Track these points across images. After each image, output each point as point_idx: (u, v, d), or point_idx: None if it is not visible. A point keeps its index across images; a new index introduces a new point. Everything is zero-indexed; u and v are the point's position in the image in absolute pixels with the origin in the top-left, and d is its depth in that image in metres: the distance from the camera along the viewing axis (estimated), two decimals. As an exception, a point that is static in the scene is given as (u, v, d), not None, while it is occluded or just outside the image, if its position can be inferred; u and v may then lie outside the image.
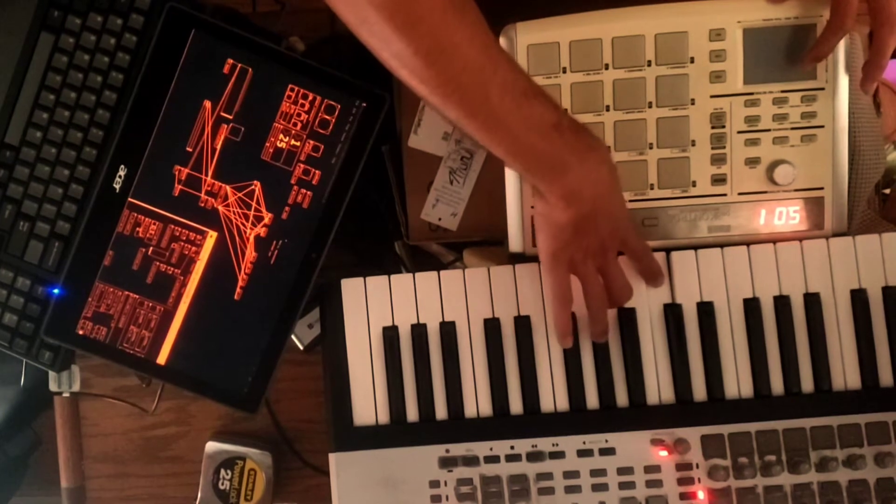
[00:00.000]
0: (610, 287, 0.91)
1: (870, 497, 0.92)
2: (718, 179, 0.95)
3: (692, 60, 0.93)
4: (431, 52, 0.75)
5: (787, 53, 0.93)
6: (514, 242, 0.98)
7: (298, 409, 1.07)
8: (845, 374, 0.94)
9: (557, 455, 0.94)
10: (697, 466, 0.93)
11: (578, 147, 0.82)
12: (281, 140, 0.96)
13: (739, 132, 0.94)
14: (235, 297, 0.97)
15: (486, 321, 0.96)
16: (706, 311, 0.95)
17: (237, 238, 0.97)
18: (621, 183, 0.87)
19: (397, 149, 1.01)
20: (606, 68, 0.93)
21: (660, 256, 0.95)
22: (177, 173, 0.96)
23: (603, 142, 0.86)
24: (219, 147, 0.96)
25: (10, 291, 1.01)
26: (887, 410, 0.93)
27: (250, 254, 0.97)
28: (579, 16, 0.92)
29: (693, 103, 0.94)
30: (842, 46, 0.92)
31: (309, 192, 0.97)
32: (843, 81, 0.93)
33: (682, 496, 0.93)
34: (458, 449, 0.95)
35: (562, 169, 0.82)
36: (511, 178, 0.96)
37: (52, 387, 1.07)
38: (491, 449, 0.94)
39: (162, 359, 0.98)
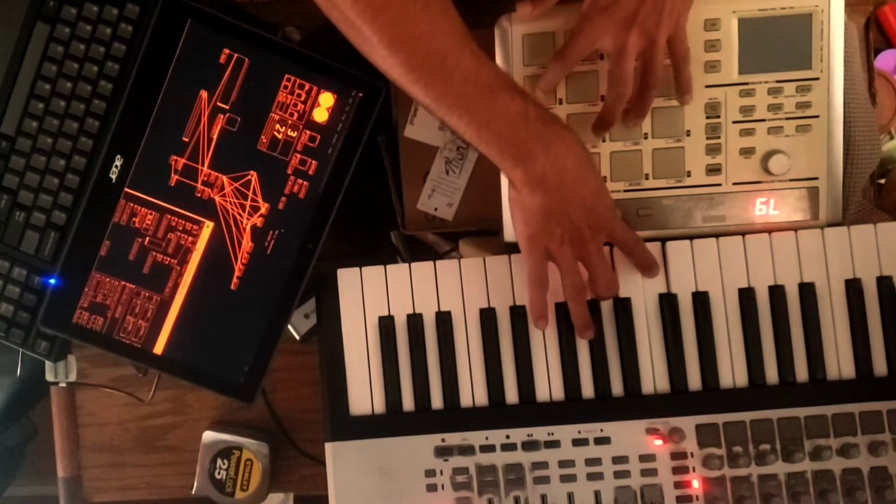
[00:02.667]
0: (592, 278, 0.91)
1: (863, 486, 0.92)
2: (713, 169, 0.95)
3: (687, 50, 0.93)
4: (395, 41, 0.78)
5: (782, 43, 0.93)
6: (510, 232, 0.98)
7: (295, 399, 1.07)
8: (839, 363, 0.94)
9: (553, 444, 0.94)
10: (692, 455, 0.93)
11: (545, 136, 0.84)
12: (277, 130, 0.96)
13: (734, 122, 0.94)
14: (232, 287, 0.97)
15: (482, 311, 0.96)
16: (701, 301, 0.95)
17: (234, 228, 0.97)
18: (600, 172, 0.89)
19: (393, 139, 1.01)
20: (601, 58, 0.93)
21: (655, 247, 0.95)
22: (173, 163, 0.96)
23: (573, 132, 0.86)
24: (215, 137, 0.96)
25: (6, 281, 1.01)
26: (881, 399, 0.93)
27: (247, 244, 0.97)
28: (575, 5, 0.91)
29: (688, 93, 0.94)
30: (838, 37, 0.92)
31: (305, 183, 0.97)
32: (839, 71, 0.93)
33: (677, 485, 0.93)
34: (453, 438, 0.95)
35: (526, 157, 0.84)
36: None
37: (49, 377, 1.07)
38: (486, 438, 0.95)
39: (158, 349, 0.98)
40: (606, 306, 0.95)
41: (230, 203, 0.97)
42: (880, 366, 0.94)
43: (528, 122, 0.83)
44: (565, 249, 0.89)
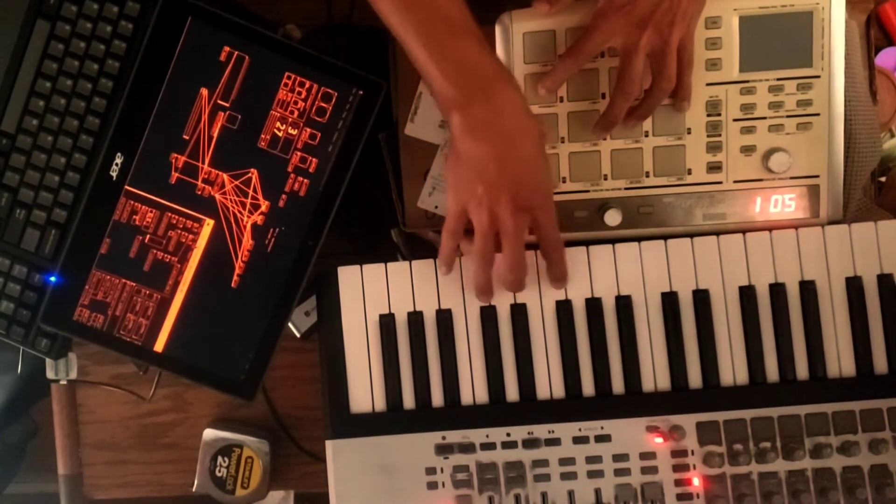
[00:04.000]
0: (502, 256, 0.90)
1: (864, 483, 0.92)
2: (714, 167, 0.95)
3: (688, 48, 0.93)
4: None
5: (782, 41, 0.93)
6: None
7: (295, 397, 1.07)
8: (840, 361, 0.94)
9: (553, 442, 0.94)
10: (693, 453, 0.94)
11: (490, 87, 0.84)
12: (278, 128, 0.96)
13: (735, 120, 0.94)
14: (232, 284, 0.97)
15: (483, 308, 0.96)
16: (702, 299, 0.95)
17: (234, 226, 0.97)
18: (550, 163, 0.88)
19: (394, 137, 1.01)
20: (602, 56, 0.93)
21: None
22: (173, 161, 0.96)
23: (523, 98, 0.86)
24: (215, 135, 0.96)
25: (6, 279, 1.01)
26: (882, 397, 0.93)
27: (247, 242, 0.97)
28: (576, 4, 0.91)
29: (689, 91, 0.94)
30: (839, 35, 0.92)
31: (306, 180, 0.97)
32: (839, 69, 0.93)
33: (678, 483, 0.93)
34: (454, 436, 0.95)
35: (466, 101, 0.84)
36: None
37: (50, 374, 1.07)
38: (487, 436, 0.95)
39: (159, 346, 0.98)
40: (608, 304, 0.95)
41: (231, 201, 0.97)
42: (881, 363, 0.94)
43: (479, 70, 0.84)
44: (483, 213, 0.87)
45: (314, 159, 0.96)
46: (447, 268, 0.94)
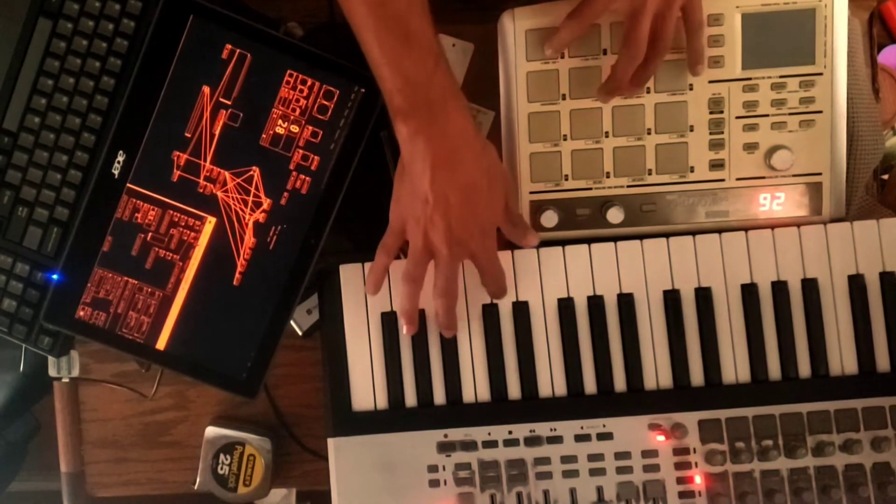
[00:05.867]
0: (435, 278, 0.90)
1: (866, 481, 0.92)
2: (716, 165, 0.95)
3: (691, 46, 0.93)
4: None
5: (785, 39, 0.93)
6: (513, 228, 0.98)
7: (297, 395, 1.07)
8: (842, 359, 0.94)
9: (555, 440, 0.94)
10: (695, 451, 0.94)
11: (438, 107, 0.84)
12: (280, 126, 0.96)
13: (738, 117, 0.94)
14: (234, 282, 0.97)
15: (484, 307, 0.96)
16: (704, 297, 0.95)
17: (236, 224, 0.97)
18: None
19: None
20: (605, 53, 0.93)
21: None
22: (175, 159, 0.96)
23: (472, 125, 0.86)
24: (217, 133, 0.96)
25: (8, 277, 1.01)
26: (884, 395, 0.93)
27: (249, 239, 0.97)
28: (578, 1, 0.91)
29: (691, 89, 0.94)
30: (841, 32, 0.92)
31: (308, 178, 0.97)
32: (842, 66, 0.93)
33: (680, 480, 0.93)
34: (456, 434, 0.95)
35: (409, 114, 0.84)
36: (509, 165, 0.97)
37: (52, 372, 1.07)
38: (489, 434, 0.95)
39: (161, 344, 0.98)
40: (610, 302, 0.95)
41: (232, 199, 0.97)
42: (883, 361, 0.94)
43: (428, 87, 0.83)
44: (418, 235, 0.87)
45: (316, 157, 0.96)
46: (373, 287, 0.94)
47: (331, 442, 0.96)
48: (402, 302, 0.93)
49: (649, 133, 0.95)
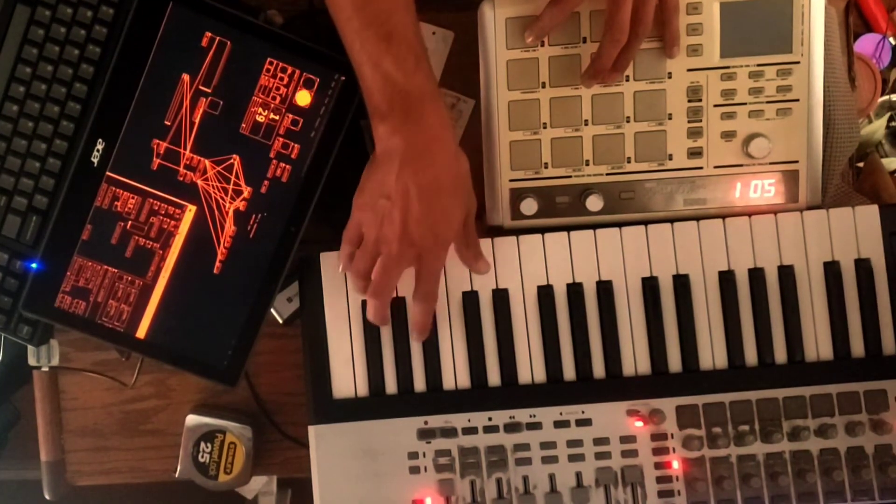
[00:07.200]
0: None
1: (840, 465, 0.93)
2: (695, 153, 0.96)
3: (669, 34, 0.93)
4: None
5: (763, 27, 0.93)
6: (493, 216, 0.98)
7: (278, 383, 1.07)
8: (818, 345, 0.95)
9: (534, 426, 0.95)
10: (672, 437, 0.94)
11: (415, 108, 0.84)
12: (260, 114, 0.96)
13: (716, 106, 0.95)
14: (215, 270, 0.97)
15: (465, 294, 0.97)
16: (682, 284, 0.96)
17: (216, 212, 0.97)
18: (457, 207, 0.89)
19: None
20: (584, 42, 0.94)
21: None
22: (155, 147, 0.96)
23: (449, 129, 0.87)
24: (197, 121, 0.95)
25: (-13, 266, 1.01)
26: (858, 380, 0.94)
27: (229, 228, 0.97)
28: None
29: (670, 77, 0.95)
30: (818, 21, 0.93)
31: (288, 166, 0.97)
32: (819, 55, 0.94)
33: (658, 465, 0.94)
34: (436, 421, 0.95)
35: (387, 114, 0.85)
36: (489, 153, 0.97)
37: (31, 361, 1.07)
38: (469, 420, 0.95)
39: (141, 333, 0.98)
40: (589, 289, 0.96)
41: (213, 187, 0.96)
42: (858, 347, 0.95)
43: (406, 87, 0.84)
44: (372, 229, 0.88)
45: (296, 145, 0.96)
46: (342, 267, 0.94)
47: (311, 429, 0.96)
48: (353, 289, 0.93)
49: (628, 121, 0.95)
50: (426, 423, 0.95)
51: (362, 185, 0.89)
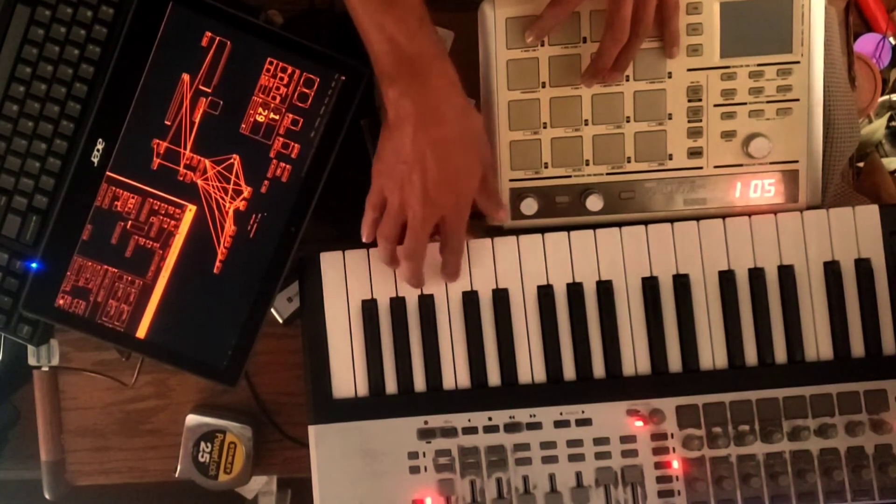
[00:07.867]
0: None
1: (840, 465, 0.93)
2: (695, 152, 0.96)
3: (669, 34, 0.93)
4: None
5: (763, 27, 0.93)
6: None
7: (278, 382, 1.08)
8: (818, 345, 0.95)
9: (534, 426, 0.95)
10: (672, 436, 0.94)
11: (425, 70, 0.85)
12: (260, 113, 0.96)
13: (716, 105, 0.95)
14: (215, 270, 0.97)
15: (465, 294, 0.97)
16: (682, 284, 0.96)
17: (216, 212, 0.97)
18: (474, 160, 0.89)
19: (376, 122, 1.01)
20: (584, 41, 0.94)
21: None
22: (155, 147, 0.96)
23: (458, 88, 0.86)
24: (197, 120, 0.95)
25: (-13, 266, 1.01)
26: (858, 380, 0.94)
27: (229, 227, 0.97)
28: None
29: (670, 77, 0.95)
30: (818, 20, 0.93)
31: (288, 166, 0.97)
32: (819, 55, 0.94)
33: (658, 465, 0.94)
34: (436, 420, 0.95)
35: (395, 78, 0.85)
36: (489, 151, 0.97)
37: (31, 361, 1.07)
38: (469, 420, 0.95)
39: (141, 332, 0.98)
40: (590, 289, 0.96)
41: (213, 187, 0.97)
42: (858, 347, 0.95)
43: (411, 48, 0.84)
44: (395, 194, 0.88)
45: (296, 145, 0.96)
46: (367, 235, 0.93)
47: (311, 429, 0.96)
48: (381, 254, 0.92)
49: (628, 121, 0.95)
50: (426, 422, 0.95)
51: (379, 151, 0.89)
